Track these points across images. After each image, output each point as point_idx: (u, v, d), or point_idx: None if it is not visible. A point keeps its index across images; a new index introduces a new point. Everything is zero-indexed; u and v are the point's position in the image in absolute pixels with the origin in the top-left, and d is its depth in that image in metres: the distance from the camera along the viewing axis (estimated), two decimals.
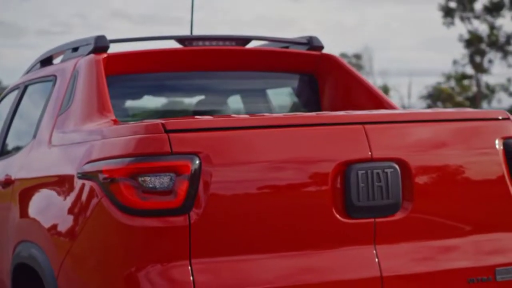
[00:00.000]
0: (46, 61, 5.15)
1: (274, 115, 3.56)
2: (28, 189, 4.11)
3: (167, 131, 3.17)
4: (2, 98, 5.75)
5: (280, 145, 3.29)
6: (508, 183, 3.61)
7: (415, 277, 3.40)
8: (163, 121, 3.20)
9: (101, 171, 3.26)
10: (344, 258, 3.33)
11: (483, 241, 3.58)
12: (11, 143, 5.06)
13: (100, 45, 4.36)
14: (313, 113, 3.64)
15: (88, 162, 3.40)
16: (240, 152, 3.23)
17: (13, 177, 4.43)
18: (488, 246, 3.58)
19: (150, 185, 3.13)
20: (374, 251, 3.36)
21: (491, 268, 3.53)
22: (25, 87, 5.19)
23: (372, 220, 3.36)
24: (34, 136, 4.45)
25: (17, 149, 4.76)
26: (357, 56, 58.03)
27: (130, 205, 3.14)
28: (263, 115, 3.48)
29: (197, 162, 3.14)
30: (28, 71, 5.45)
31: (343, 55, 57.05)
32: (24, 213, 4.05)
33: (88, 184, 3.35)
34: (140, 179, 3.13)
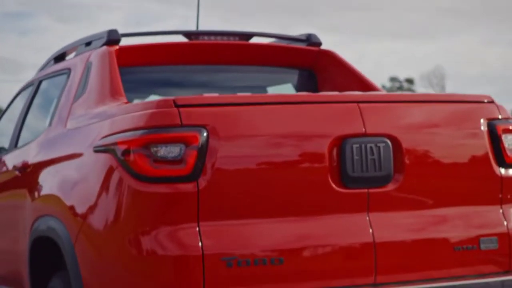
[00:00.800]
0: (60, 58, 5.45)
1: (276, 93, 3.84)
2: (45, 170, 4.39)
3: (178, 106, 3.45)
4: (17, 95, 6.04)
5: (281, 120, 3.57)
6: (492, 160, 3.89)
7: (405, 243, 3.67)
8: (173, 98, 3.48)
9: (116, 143, 3.53)
10: (339, 224, 3.60)
11: (468, 213, 3.85)
12: (26, 135, 5.34)
13: (112, 38, 4.66)
14: (313, 93, 3.92)
15: (104, 137, 3.68)
16: (244, 125, 3.51)
17: (30, 162, 4.71)
18: (473, 218, 3.85)
19: (162, 155, 3.40)
20: (367, 219, 3.63)
21: (476, 238, 3.80)
22: (39, 83, 5.49)
23: (366, 190, 3.64)
24: (50, 124, 4.73)
25: (33, 139, 5.04)
26: (409, 81, 57.51)
27: (144, 173, 3.42)
28: (266, 94, 3.76)
29: (205, 134, 3.42)
30: (42, 69, 5.75)
31: (394, 79, 56.71)
32: (42, 191, 4.32)
33: (103, 156, 3.63)
34: (152, 149, 3.41)
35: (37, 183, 4.46)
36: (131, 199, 3.45)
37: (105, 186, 3.59)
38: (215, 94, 3.66)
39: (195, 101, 3.52)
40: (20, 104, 5.81)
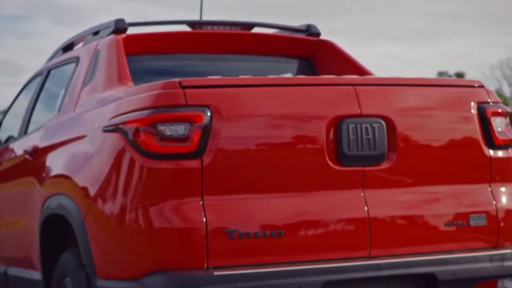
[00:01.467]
0: (68, 48, 5.66)
1: (276, 76, 4.04)
2: (55, 152, 4.59)
3: (183, 87, 3.65)
4: (26, 85, 6.24)
5: (281, 101, 3.77)
6: (481, 141, 4.09)
7: (398, 219, 3.87)
8: (179, 79, 3.68)
9: (124, 123, 3.74)
10: (336, 200, 3.80)
11: (458, 191, 4.05)
12: (35, 122, 5.55)
13: (119, 26, 4.86)
14: (311, 76, 4.12)
15: (112, 118, 3.88)
16: (245, 105, 3.70)
17: (40, 146, 4.91)
18: (463, 196, 4.05)
19: (168, 133, 3.61)
20: (363, 195, 3.83)
21: (466, 214, 4.00)
22: (48, 72, 5.69)
23: (361, 168, 3.84)
24: (59, 110, 4.94)
25: (42, 125, 5.24)
26: (459, 75, 57.11)
27: (151, 150, 3.62)
28: (267, 76, 3.96)
29: (208, 113, 3.62)
30: (50, 59, 5.95)
31: (443, 73, 56.20)
32: (52, 172, 4.53)
33: (112, 135, 3.83)
34: (159, 127, 3.61)
35: (47, 164, 4.66)
36: (139, 175, 3.65)
37: (113, 163, 3.79)
38: (218, 76, 3.86)
39: (199, 82, 3.72)
40: (28, 94, 6.01)
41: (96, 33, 5.12)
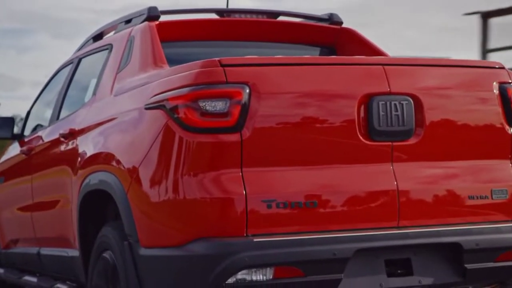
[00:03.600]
0: (98, 37, 5.87)
1: (311, 56, 4.24)
2: (93, 132, 4.80)
3: (223, 66, 3.86)
4: (53, 77, 6.45)
5: (315, 79, 3.98)
6: (503, 119, 4.30)
7: (425, 191, 4.08)
8: (218, 58, 3.89)
9: (167, 99, 3.95)
10: (367, 173, 4.01)
11: (481, 166, 4.26)
12: (68, 109, 5.75)
13: (152, 14, 5.08)
14: (344, 56, 4.32)
15: (154, 95, 4.09)
16: (281, 83, 3.92)
17: (76, 128, 5.12)
18: (485, 171, 4.27)
19: (209, 108, 3.82)
20: (392, 168, 4.04)
21: (488, 188, 4.21)
22: (79, 61, 5.90)
23: (390, 143, 4.05)
24: (95, 93, 5.15)
25: (75, 110, 5.44)
26: None
27: (193, 125, 3.83)
28: (302, 56, 4.18)
29: (247, 90, 3.83)
30: (79, 49, 6.17)
31: None
32: (91, 151, 4.73)
33: (154, 112, 4.04)
34: (201, 103, 3.82)
35: (85, 145, 4.87)
36: (181, 148, 3.86)
37: (156, 138, 4.00)
38: (256, 56, 4.07)
39: (238, 61, 3.94)
40: (58, 84, 6.21)
41: (128, 21, 5.33)
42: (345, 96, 4.01)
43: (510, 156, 4.33)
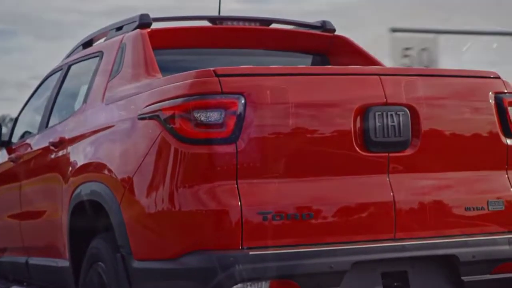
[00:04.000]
0: (88, 44, 5.80)
1: (306, 66, 4.20)
2: (84, 141, 4.73)
3: (218, 75, 3.81)
4: (44, 80, 6.37)
5: (310, 90, 3.94)
6: (498, 130, 4.27)
7: (421, 203, 4.04)
8: (213, 68, 3.84)
9: (161, 110, 3.89)
10: (363, 184, 3.96)
11: (477, 177, 4.23)
12: (57, 116, 5.68)
13: (144, 21, 5.02)
14: (339, 66, 4.29)
15: (148, 105, 4.03)
16: (277, 93, 3.87)
17: (66, 137, 5.05)
18: (481, 182, 4.24)
19: (204, 119, 3.76)
20: (388, 180, 4.00)
21: (484, 199, 4.18)
22: (69, 67, 5.83)
23: (386, 154, 4.00)
24: (85, 101, 5.08)
25: (65, 118, 5.37)
26: None
27: (187, 136, 3.77)
28: (297, 66, 4.13)
29: (243, 100, 3.78)
30: (69, 55, 6.09)
31: None
32: (82, 161, 4.67)
33: (148, 122, 3.98)
34: (195, 114, 3.76)
35: (76, 154, 4.80)
36: (175, 159, 3.81)
37: (149, 148, 3.94)
38: (251, 66, 4.02)
39: (233, 71, 3.89)
40: (47, 91, 6.13)
41: (119, 28, 5.27)
42: (341, 106, 3.96)
43: (506, 166, 4.30)
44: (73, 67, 5.77)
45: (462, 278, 4.03)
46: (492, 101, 4.29)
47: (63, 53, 6.07)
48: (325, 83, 3.99)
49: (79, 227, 4.71)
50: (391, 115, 4.00)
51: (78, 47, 5.95)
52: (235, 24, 5.37)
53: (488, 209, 4.18)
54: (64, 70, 5.87)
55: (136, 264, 3.95)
